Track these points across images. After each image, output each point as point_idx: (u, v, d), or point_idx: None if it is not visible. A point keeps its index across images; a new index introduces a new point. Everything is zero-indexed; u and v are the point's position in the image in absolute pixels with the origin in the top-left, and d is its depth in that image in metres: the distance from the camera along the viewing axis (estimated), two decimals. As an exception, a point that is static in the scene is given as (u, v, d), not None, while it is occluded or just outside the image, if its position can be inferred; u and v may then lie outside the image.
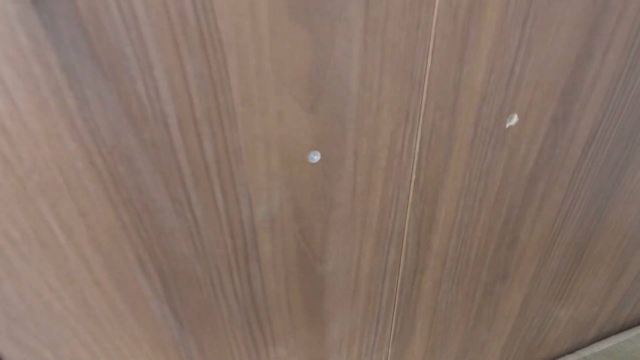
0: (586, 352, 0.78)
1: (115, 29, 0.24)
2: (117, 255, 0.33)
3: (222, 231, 0.36)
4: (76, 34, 0.24)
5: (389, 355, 0.57)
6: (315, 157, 0.34)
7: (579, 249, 0.60)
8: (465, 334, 0.61)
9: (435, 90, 0.35)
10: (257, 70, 0.28)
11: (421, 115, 0.36)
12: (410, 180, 0.40)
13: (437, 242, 0.46)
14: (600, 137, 0.46)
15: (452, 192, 0.43)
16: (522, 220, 0.50)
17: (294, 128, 0.32)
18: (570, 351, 0.79)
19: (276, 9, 0.26)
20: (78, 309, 0.35)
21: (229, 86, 0.28)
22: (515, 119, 0.40)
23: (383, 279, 0.47)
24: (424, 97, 0.35)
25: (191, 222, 0.34)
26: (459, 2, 0.31)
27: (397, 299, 0.50)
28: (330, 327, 0.49)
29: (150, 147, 0.29)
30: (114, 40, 0.24)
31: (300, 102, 0.31)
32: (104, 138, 0.28)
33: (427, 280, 0.50)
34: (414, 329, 0.55)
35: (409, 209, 0.42)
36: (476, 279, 0.54)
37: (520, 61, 0.36)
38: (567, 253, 0.59)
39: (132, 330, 0.38)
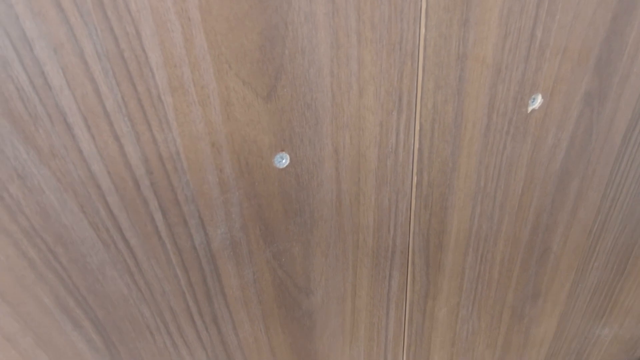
0: (636, 376, 0.67)
1: (-35, -12, 0.17)
2: (30, 302, 0.25)
3: (169, 263, 0.28)
4: None
5: (403, 398, 0.47)
6: (283, 160, 0.26)
7: (622, 257, 0.50)
8: (492, 365, 0.51)
9: (433, 65, 0.27)
10: (186, 45, 0.21)
11: (418, 99, 0.28)
12: (411, 185, 0.31)
13: (450, 260, 0.38)
14: (644, 118, 0.38)
15: (464, 196, 0.34)
16: (553, 228, 0.41)
17: (249, 123, 0.24)
18: (617, 375, 0.68)
19: (201, -46, 0.19)
20: (-13, 374, 0.27)
21: (148, 67, 0.21)
22: (539, 99, 0.32)
23: (387, 309, 0.38)
24: (420, 75, 0.27)
25: (126, 254, 0.26)
26: (457, -56, 0.23)
27: (406, 331, 0.41)
28: (326, 371, 0.40)
29: (50, 156, 0.22)
30: (-35, 4, 0.17)
31: (252, 87, 0.23)
32: (-21, 147, 0.20)
33: (442, 307, 0.41)
34: (430, 365, 0.46)
35: (412, 220, 0.33)
36: (501, 302, 0.44)
37: (542, 22, 0.28)
38: (608, 263, 0.49)
39: (67, 394, 0.30)
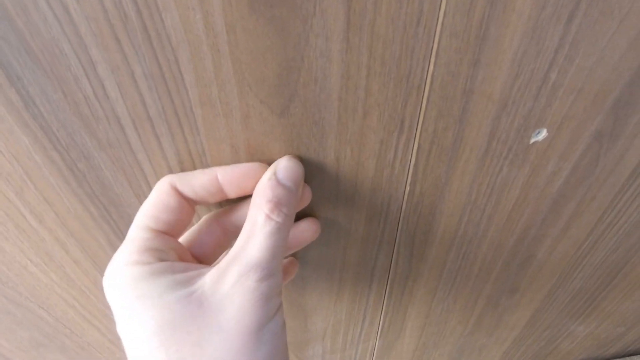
0: (602, 368, 0.72)
1: (47, 23, 0.21)
2: (90, 240, 0.34)
3: (193, 227, 0.35)
4: (5, 27, 0.21)
5: (376, 347, 0.56)
6: (291, 162, 0.31)
7: (612, 271, 0.52)
8: (461, 337, 0.59)
9: (438, 97, 0.29)
10: (215, 70, 0.25)
11: (419, 124, 0.30)
12: (404, 192, 0.35)
13: (433, 254, 0.43)
14: (660, 157, 0.37)
15: (453, 206, 0.37)
16: (541, 239, 0.44)
17: (263, 132, 0.29)
18: (584, 364, 0.74)
19: (232, 1, 0.22)
20: (61, 280, 0.37)
21: (184, 86, 0.25)
22: (543, 133, 0.33)
23: (370, 282, 0.45)
24: (424, 104, 0.29)
25: (160, 217, 0.33)
26: (477, -9, 0.24)
27: (385, 300, 0.48)
28: (314, 319, 0.49)
29: (107, 146, 0.28)
30: (47, 35, 0.22)
31: (268, 106, 0.27)
32: (57, 136, 0.26)
33: (420, 288, 0.47)
34: (403, 329, 0.54)
35: (401, 220, 0.38)
36: (478, 291, 0.50)
37: (559, 66, 0.29)
38: (594, 275, 0.52)
39: (115, 302, 0.41)
